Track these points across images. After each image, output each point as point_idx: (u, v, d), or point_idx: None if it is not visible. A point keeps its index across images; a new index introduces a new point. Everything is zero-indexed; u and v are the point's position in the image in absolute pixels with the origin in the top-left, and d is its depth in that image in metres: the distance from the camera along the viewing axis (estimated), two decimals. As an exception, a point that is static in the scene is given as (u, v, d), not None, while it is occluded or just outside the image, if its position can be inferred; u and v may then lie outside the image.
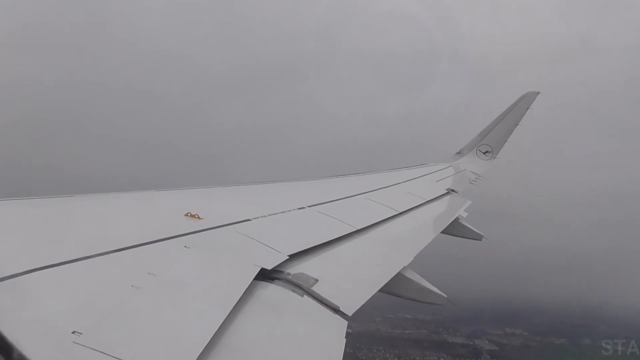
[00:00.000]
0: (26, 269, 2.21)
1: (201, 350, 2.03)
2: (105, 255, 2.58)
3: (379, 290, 3.60)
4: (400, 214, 5.98)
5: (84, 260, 2.46)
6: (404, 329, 60.24)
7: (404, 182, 8.40)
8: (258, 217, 4.03)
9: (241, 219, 3.82)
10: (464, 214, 8.07)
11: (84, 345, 1.83)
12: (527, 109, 14.06)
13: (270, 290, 2.91)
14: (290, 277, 3.10)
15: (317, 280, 3.16)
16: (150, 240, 2.92)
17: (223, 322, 2.30)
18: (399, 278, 4.09)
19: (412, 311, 61.47)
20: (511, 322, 63.25)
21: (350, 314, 2.96)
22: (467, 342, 58.80)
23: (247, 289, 2.71)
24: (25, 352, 1.75)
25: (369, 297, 3.33)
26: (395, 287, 4.06)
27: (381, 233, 5.04)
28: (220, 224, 3.58)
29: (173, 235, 3.10)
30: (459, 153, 14.22)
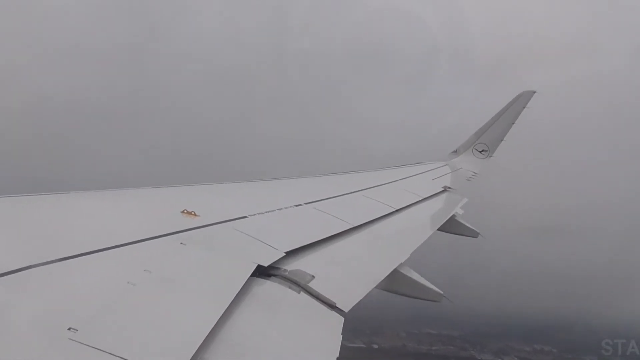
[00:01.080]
0: (22, 266, 2.20)
1: (197, 347, 2.02)
2: (101, 252, 2.57)
3: (376, 287, 3.61)
4: (397, 211, 5.99)
5: (80, 257, 2.45)
6: (430, 345, 59.18)
7: (400, 179, 8.41)
8: (255, 214, 4.03)
9: (238, 216, 3.82)
10: (461, 212, 8.09)
11: (79, 342, 1.82)
12: (523, 108, 14.10)
13: (267, 287, 2.91)
14: (287, 273, 3.10)
15: (313, 276, 3.15)
16: (147, 237, 2.91)
17: (220, 318, 2.29)
18: (395, 275, 4.09)
19: (437, 326, 60.59)
20: (539, 338, 61.34)
21: (346, 310, 2.96)
22: (495, 358, 57.53)
23: (243, 285, 2.70)
24: (21, 349, 1.75)
25: (365, 294, 3.33)
26: (392, 284, 4.07)
27: (378, 230, 5.04)
28: (217, 221, 3.57)
29: (169, 232, 3.09)
30: (455, 152, 14.25)
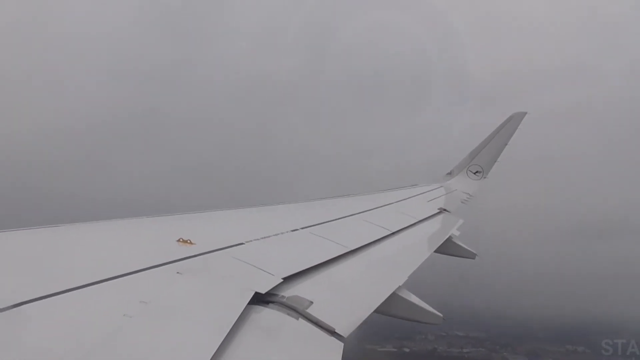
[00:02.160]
0: (17, 302, 2.18)
1: None
2: (96, 285, 2.55)
3: (374, 311, 3.58)
4: (393, 233, 5.98)
5: (74, 291, 2.43)
6: (461, 347, 57.75)
7: (396, 202, 8.43)
8: (251, 241, 4.02)
9: (234, 243, 3.80)
10: (457, 233, 8.09)
11: None
12: (516, 129, 14.31)
13: (265, 314, 2.88)
14: (284, 300, 3.07)
15: (311, 302, 3.13)
16: (142, 268, 2.89)
17: (218, 348, 2.27)
18: (393, 298, 4.07)
19: (464, 328, 59.33)
20: (570, 338, 58.32)
21: (345, 335, 2.93)
22: (530, 361, 55.68)
23: (241, 313, 2.68)
24: None
25: (364, 318, 3.31)
26: (391, 307, 4.03)
27: (375, 253, 5.03)
28: (213, 249, 3.55)
29: (165, 261, 3.08)
30: (450, 174, 14.35)
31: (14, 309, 2.12)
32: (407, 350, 53.91)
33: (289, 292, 3.20)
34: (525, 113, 14.67)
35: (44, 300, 2.26)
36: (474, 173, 14.26)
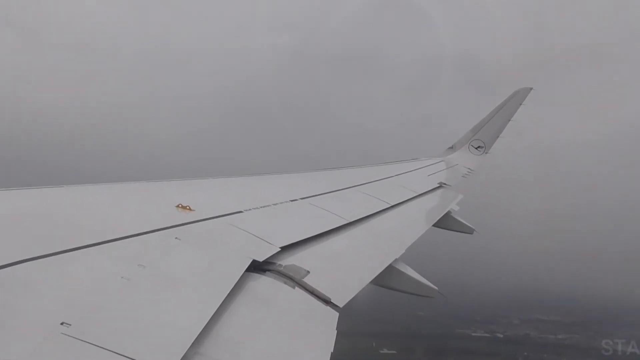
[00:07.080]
0: (15, 260, 2.19)
1: (192, 342, 2.02)
2: (95, 247, 2.56)
3: (371, 282, 3.62)
4: (392, 207, 6.00)
5: (73, 252, 2.44)
6: (554, 333, 54.02)
7: (396, 175, 8.43)
8: (250, 209, 4.02)
9: (233, 211, 3.81)
10: (456, 208, 8.12)
11: (72, 337, 1.82)
12: (520, 104, 14.13)
13: (262, 282, 2.91)
14: (282, 268, 3.10)
15: (308, 272, 3.16)
16: (141, 232, 2.90)
17: (214, 313, 2.29)
18: (390, 270, 4.10)
19: (541, 312, 57.06)
20: None
21: (341, 305, 2.96)
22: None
23: (238, 280, 2.70)
24: (14, 343, 1.74)
25: (360, 289, 3.34)
26: (387, 280, 4.08)
27: (373, 226, 5.05)
28: (212, 216, 3.56)
29: (164, 226, 3.08)
30: (452, 148, 14.27)
31: (11, 267, 2.13)
32: (500, 335, 51.48)
33: (286, 261, 3.22)
34: (531, 89, 14.46)
35: (43, 259, 2.27)
36: (476, 148, 14.18)
